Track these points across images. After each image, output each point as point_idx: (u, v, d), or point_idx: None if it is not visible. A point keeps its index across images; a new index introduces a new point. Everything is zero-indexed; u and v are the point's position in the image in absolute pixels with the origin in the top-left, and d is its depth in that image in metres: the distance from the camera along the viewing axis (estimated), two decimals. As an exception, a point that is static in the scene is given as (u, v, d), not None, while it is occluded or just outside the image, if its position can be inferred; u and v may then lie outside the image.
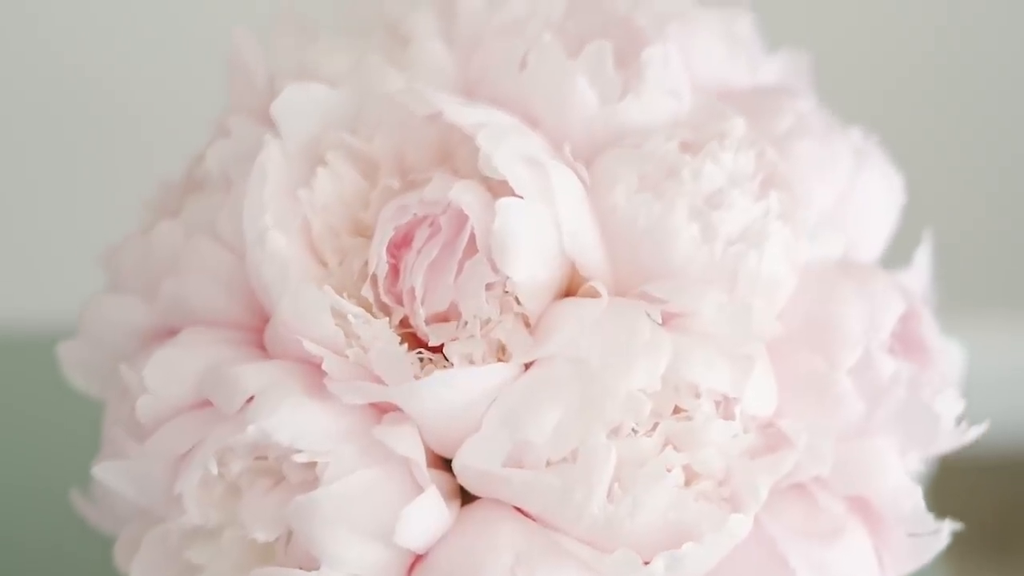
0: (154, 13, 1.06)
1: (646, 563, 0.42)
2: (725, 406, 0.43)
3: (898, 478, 0.45)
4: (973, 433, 0.47)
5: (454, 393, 0.42)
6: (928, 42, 1.20)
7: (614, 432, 0.42)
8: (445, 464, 0.44)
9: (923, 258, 0.50)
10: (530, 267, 0.43)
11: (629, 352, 0.42)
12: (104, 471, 0.45)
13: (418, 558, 0.43)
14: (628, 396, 0.42)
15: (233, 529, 0.44)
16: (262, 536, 0.43)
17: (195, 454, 0.43)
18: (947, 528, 0.46)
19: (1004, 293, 1.29)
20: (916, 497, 0.45)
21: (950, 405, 0.46)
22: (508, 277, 0.43)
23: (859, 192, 0.48)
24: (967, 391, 0.48)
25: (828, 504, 0.45)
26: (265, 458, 0.43)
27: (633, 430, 0.42)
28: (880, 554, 0.46)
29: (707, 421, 0.42)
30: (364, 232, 0.45)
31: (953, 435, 0.46)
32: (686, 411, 0.43)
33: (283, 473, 0.43)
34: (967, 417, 0.46)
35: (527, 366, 0.43)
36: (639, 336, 0.42)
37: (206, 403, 0.44)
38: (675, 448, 0.42)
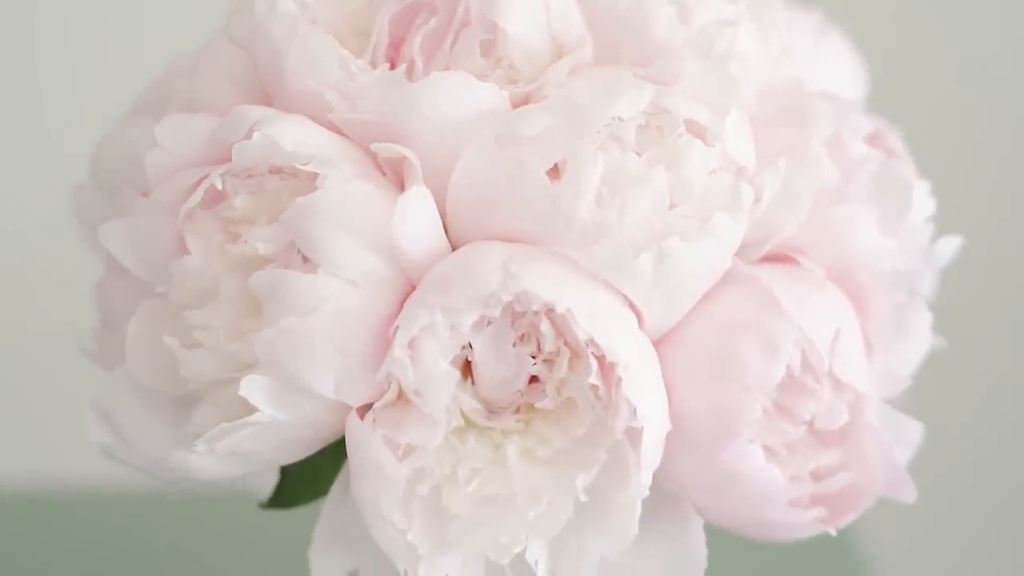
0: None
1: None
2: (705, 140, 0.45)
3: (875, 239, 0.46)
4: (950, 245, 0.49)
5: (450, 102, 0.44)
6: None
7: (600, 148, 0.44)
8: None
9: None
10: (522, 19, 0.46)
11: (614, 88, 0.45)
12: (108, 233, 0.46)
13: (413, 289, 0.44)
14: (613, 120, 0.44)
15: (230, 278, 0.45)
16: (262, 248, 0.44)
17: (202, 183, 0.45)
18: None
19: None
20: (895, 258, 0.46)
21: (922, 190, 0.48)
22: (502, 28, 0.46)
23: (820, 61, 0.52)
24: None
25: (810, 266, 0.46)
26: (267, 191, 0.45)
27: (619, 152, 0.44)
28: (864, 330, 0.46)
29: (689, 142, 0.45)
30: (366, 33, 0.48)
31: (925, 233, 0.48)
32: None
33: (283, 203, 0.45)
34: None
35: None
36: (623, 78, 0.45)
37: (214, 162, 0.46)
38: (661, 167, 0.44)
